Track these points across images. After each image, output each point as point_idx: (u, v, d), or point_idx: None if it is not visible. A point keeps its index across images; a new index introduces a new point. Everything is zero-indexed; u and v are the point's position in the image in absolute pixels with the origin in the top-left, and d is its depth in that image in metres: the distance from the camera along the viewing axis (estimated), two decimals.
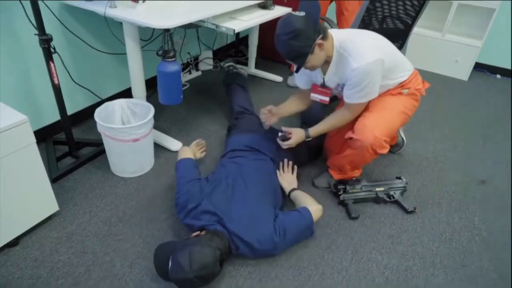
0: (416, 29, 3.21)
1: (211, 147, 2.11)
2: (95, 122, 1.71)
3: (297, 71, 1.55)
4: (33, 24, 1.61)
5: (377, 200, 1.82)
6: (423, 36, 3.28)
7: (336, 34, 1.54)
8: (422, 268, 1.49)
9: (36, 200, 1.46)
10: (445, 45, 3.25)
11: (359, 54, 1.46)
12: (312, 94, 1.75)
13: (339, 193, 1.78)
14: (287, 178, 1.72)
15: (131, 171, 1.84)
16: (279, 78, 2.99)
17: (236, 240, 1.37)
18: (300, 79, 1.81)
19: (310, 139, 1.72)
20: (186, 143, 2.10)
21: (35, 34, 1.58)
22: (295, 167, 1.79)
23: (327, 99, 1.74)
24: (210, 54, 3.06)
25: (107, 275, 1.35)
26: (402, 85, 1.68)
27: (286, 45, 1.42)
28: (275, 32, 1.44)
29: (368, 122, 1.59)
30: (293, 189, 1.66)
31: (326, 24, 2.11)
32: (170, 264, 1.20)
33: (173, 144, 2.07)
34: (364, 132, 1.57)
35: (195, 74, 2.95)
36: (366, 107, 1.65)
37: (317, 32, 1.43)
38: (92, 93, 2.18)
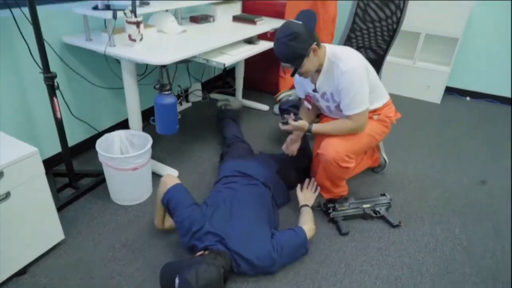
0: (390, 58, 3.48)
1: (204, 173, 2.22)
2: (92, 154, 1.81)
3: (293, 74, 1.71)
4: (36, 63, 1.74)
5: (364, 216, 1.94)
6: (396, 64, 3.54)
7: (329, 46, 1.75)
8: (410, 277, 1.60)
9: (43, 229, 1.53)
10: (417, 72, 3.51)
11: (348, 59, 1.67)
12: (305, 103, 2.02)
13: (329, 211, 1.90)
14: (306, 194, 1.88)
15: (130, 199, 1.91)
16: (265, 107, 3.16)
17: (237, 258, 1.46)
18: (300, 90, 2.03)
19: (310, 133, 1.85)
20: (181, 170, 2.20)
21: (40, 72, 1.70)
22: (318, 188, 1.94)
23: (309, 105, 2.00)
24: (199, 86, 3.22)
25: None
26: (374, 111, 1.88)
27: (285, 46, 1.59)
28: (275, 37, 1.63)
29: (332, 139, 1.79)
30: (305, 205, 1.80)
31: None
32: (177, 282, 1.27)
33: (168, 172, 2.16)
34: (327, 147, 1.77)
35: (185, 105, 3.08)
36: None
37: (313, 39, 1.62)
38: (90, 126, 2.27)
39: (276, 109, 3.10)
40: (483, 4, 3.29)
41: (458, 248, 1.77)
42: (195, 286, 1.23)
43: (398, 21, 2.25)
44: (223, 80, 3.57)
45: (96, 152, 1.78)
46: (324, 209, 1.94)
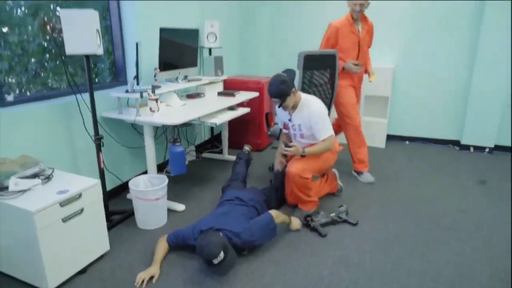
0: None
1: (205, 208, 2.91)
2: (117, 200, 2.60)
3: (279, 106, 2.56)
4: (86, 130, 2.54)
5: (333, 222, 2.66)
6: None
7: (301, 93, 2.68)
8: (357, 253, 2.30)
9: (98, 240, 2.18)
10: (364, 125, 4.45)
11: (315, 101, 2.63)
12: (283, 129, 2.89)
13: (309, 223, 2.59)
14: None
15: (152, 224, 2.59)
16: None
17: (228, 233, 2.14)
18: (280, 122, 2.90)
19: (305, 154, 2.58)
20: (187, 206, 2.90)
21: (92, 136, 2.48)
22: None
23: (287, 131, 2.89)
24: (193, 148, 4.04)
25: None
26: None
27: (277, 87, 2.47)
28: (269, 82, 2.52)
29: (293, 162, 2.62)
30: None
31: None
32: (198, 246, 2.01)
33: (178, 206, 2.86)
34: (290, 167, 2.60)
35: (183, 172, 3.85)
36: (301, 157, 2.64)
37: (293, 86, 2.52)
38: (116, 177, 3.00)
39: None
40: (401, 67, 4.42)
41: (390, 235, 2.51)
42: (207, 244, 1.97)
43: (333, 86, 3.22)
44: (211, 143, 4.42)
45: (120, 198, 2.50)
46: (305, 222, 2.64)
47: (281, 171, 2.90)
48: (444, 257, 2.28)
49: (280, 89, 2.50)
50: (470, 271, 2.14)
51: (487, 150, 4.28)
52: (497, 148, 4.29)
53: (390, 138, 4.65)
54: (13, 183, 1.97)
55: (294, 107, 2.66)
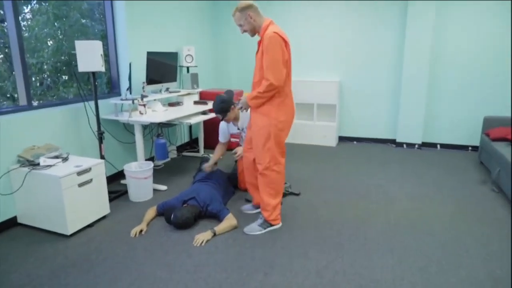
0: (298, 121, 5.38)
1: (181, 187, 3.76)
2: (113, 185, 3.38)
3: (222, 119, 3.39)
4: (91, 127, 3.38)
5: (283, 195, 3.50)
6: (303, 124, 5.45)
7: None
8: (294, 208, 3.17)
9: (101, 203, 3.01)
10: (317, 127, 5.41)
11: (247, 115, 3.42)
12: (231, 139, 3.65)
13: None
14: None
15: (142, 198, 3.42)
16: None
17: (204, 206, 2.98)
18: (222, 136, 3.66)
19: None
20: (168, 187, 3.74)
21: (95, 131, 3.33)
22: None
23: (238, 140, 3.64)
24: (175, 147, 4.89)
25: (141, 236, 2.86)
26: None
27: (218, 106, 3.29)
28: (214, 102, 3.33)
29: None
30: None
31: None
32: (173, 215, 2.80)
33: (161, 187, 3.70)
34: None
35: (167, 159, 4.70)
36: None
37: (232, 103, 3.34)
38: (112, 165, 3.83)
39: None
40: (346, 80, 5.41)
41: (320, 200, 3.38)
42: (180, 217, 2.78)
43: None
44: (190, 144, 5.28)
45: (115, 183, 3.39)
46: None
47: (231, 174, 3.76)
48: (351, 211, 3.17)
49: (221, 107, 3.33)
50: (371, 220, 3.04)
51: (416, 146, 5.25)
52: (424, 144, 5.28)
53: (341, 139, 5.61)
54: (42, 161, 2.80)
55: (237, 118, 3.50)
